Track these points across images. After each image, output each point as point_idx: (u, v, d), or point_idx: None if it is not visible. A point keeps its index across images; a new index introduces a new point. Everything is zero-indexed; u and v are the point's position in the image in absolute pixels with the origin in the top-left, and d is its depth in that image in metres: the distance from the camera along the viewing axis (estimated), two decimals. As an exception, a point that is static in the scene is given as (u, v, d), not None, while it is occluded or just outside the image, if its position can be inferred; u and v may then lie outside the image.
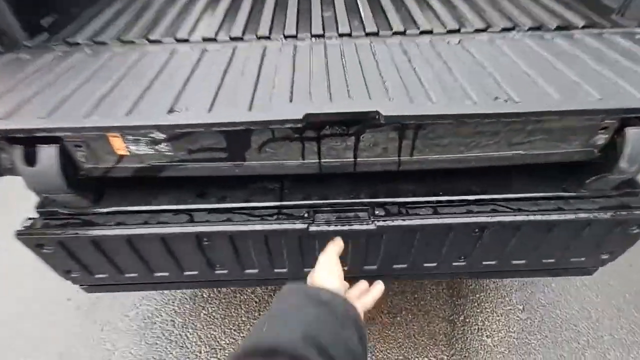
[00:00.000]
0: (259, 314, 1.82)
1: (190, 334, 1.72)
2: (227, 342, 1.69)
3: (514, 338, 1.69)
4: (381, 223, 0.96)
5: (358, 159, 0.92)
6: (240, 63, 0.98)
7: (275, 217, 0.96)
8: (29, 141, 0.81)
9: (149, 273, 1.09)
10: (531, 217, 0.96)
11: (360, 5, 1.33)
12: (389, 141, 0.89)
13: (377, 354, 1.64)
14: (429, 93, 0.84)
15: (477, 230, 0.99)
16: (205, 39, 1.12)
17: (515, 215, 0.96)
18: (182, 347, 1.68)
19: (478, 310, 1.80)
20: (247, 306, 1.83)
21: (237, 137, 0.85)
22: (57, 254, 0.99)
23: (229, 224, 0.95)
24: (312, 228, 0.96)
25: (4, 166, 0.89)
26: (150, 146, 0.85)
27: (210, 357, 1.64)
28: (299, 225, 0.95)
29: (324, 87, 0.87)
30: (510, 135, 0.88)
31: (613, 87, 0.85)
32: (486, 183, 1.04)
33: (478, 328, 1.73)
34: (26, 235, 0.94)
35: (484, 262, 1.13)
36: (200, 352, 1.65)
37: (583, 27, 1.13)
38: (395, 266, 1.14)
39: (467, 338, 1.70)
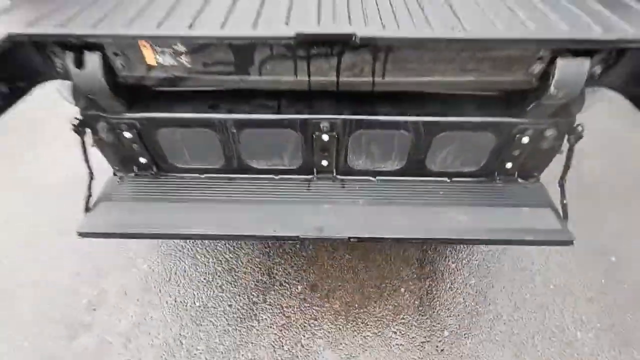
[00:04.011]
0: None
1: (200, 248, 2.01)
2: (230, 256, 1.98)
3: (475, 265, 1.97)
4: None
5: (341, 78, 1.15)
6: None
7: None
8: (78, 48, 1.03)
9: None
10: None
11: None
12: (364, 62, 1.11)
13: (360, 274, 1.94)
14: (399, 21, 1.05)
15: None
16: None
17: None
18: (192, 257, 1.98)
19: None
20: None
21: (242, 52, 1.07)
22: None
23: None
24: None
25: (58, 69, 1.12)
26: (173, 58, 1.07)
27: (217, 266, 1.94)
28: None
29: (314, 12, 1.09)
30: (463, 61, 1.10)
31: (549, 22, 1.05)
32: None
33: (446, 256, 2.01)
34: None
35: None
36: (208, 263, 1.96)
37: None
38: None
39: (435, 261, 1.99)
